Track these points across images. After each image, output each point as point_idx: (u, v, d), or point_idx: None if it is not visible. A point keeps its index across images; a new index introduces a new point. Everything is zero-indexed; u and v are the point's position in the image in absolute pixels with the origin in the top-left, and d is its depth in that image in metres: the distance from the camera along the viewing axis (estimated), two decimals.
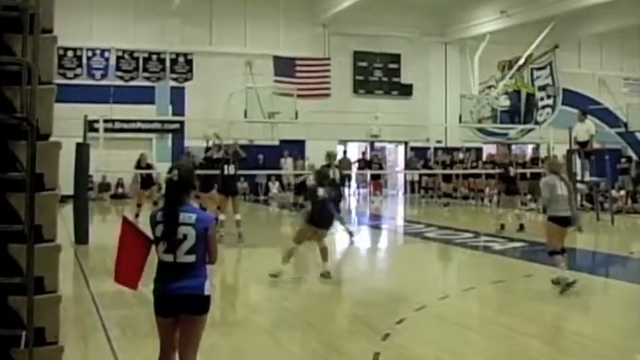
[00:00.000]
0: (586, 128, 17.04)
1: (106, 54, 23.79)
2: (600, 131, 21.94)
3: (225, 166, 12.77)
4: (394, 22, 26.14)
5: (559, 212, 8.41)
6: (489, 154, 25.82)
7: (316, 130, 24.25)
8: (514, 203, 15.42)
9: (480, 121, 27.13)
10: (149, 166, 16.50)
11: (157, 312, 4.15)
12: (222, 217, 12.56)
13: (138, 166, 16.27)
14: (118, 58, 23.97)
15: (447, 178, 22.55)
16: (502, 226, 14.49)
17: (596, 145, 17.77)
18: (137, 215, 14.51)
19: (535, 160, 23.16)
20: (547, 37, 24.68)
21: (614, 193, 19.41)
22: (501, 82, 26.94)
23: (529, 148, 28.33)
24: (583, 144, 16.84)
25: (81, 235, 12.33)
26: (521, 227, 14.47)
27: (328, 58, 25.91)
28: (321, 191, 9.01)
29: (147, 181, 16.35)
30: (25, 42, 4.12)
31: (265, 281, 8.87)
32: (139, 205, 15.60)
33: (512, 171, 15.50)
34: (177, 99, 24.24)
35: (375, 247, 14.16)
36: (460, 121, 27.29)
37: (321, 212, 9.05)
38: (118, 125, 21.91)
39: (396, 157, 28.85)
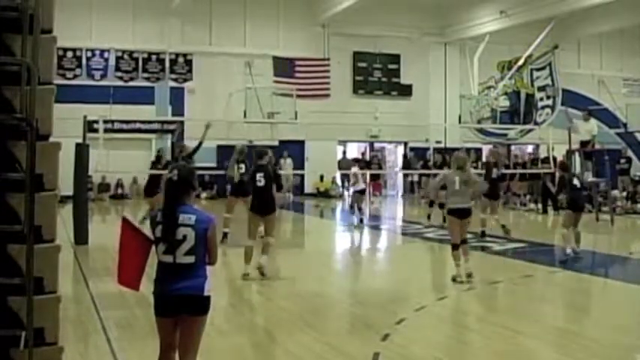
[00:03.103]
0: (589, 128, 17.03)
1: (106, 54, 23.78)
2: (599, 131, 21.96)
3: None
4: (394, 22, 26.12)
5: (456, 204, 8.85)
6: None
7: (316, 131, 24.24)
8: (494, 208, 13.73)
9: (479, 122, 27.16)
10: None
11: (157, 312, 4.15)
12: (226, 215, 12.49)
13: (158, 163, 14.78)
14: (118, 58, 23.96)
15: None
16: (504, 227, 13.45)
17: (596, 147, 17.76)
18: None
19: (535, 161, 23.17)
20: (547, 37, 24.69)
21: (616, 192, 19.40)
22: (501, 82, 26.97)
23: (529, 149, 28.35)
24: (584, 143, 16.85)
25: (80, 236, 12.32)
26: (506, 231, 13.54)
27: (328, 59, 25.91)
28: None
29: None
30: (25, 42, 4.12)
31: (265, 281, 8.86)
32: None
33: (495, 173, 13.86)
34: (177, 99, 24.24)
35: (374, 248, 14.15)
36: (460, 122, 27.31)
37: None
38: (117, 126, 21.89)
39: (396, 157, 28.85)
